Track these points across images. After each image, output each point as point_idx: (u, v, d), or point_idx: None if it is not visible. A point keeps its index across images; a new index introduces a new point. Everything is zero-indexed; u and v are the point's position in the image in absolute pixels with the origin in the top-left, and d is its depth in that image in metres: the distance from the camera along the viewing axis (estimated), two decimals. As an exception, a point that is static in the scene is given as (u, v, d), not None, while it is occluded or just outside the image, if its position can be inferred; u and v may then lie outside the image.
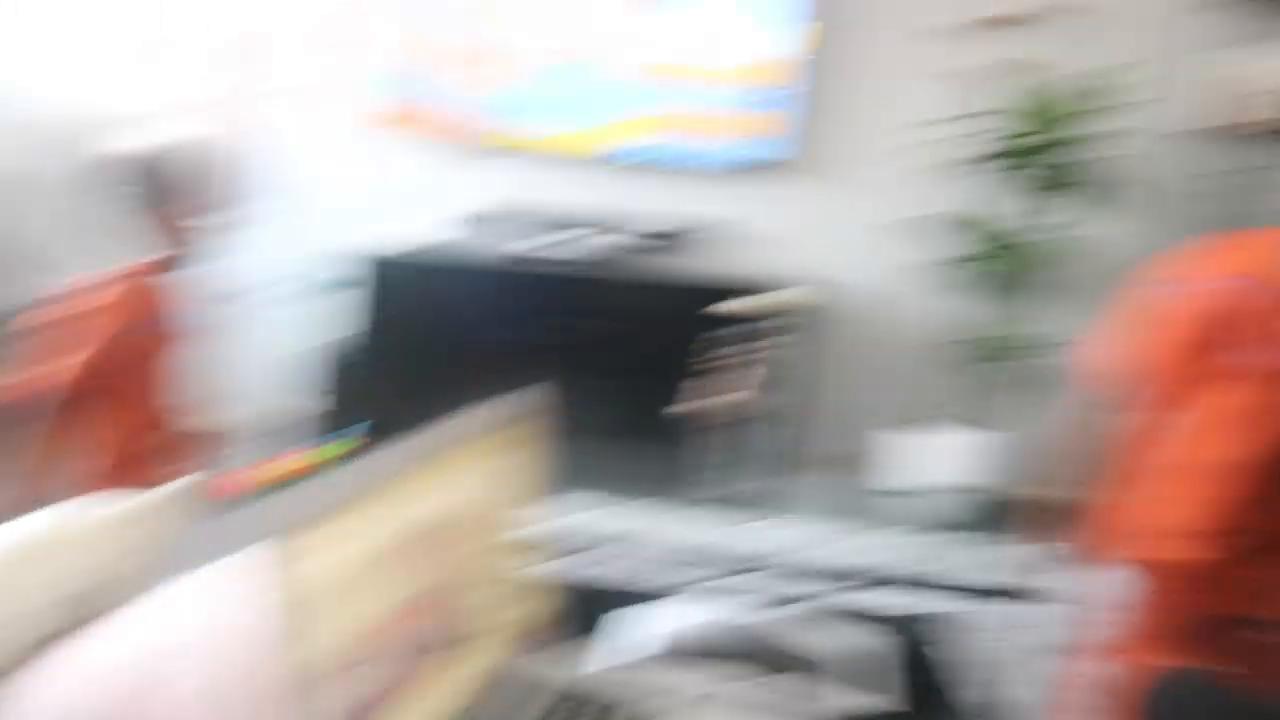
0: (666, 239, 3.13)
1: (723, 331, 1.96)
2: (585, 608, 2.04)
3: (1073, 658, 1.40)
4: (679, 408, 2.01)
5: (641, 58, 3.01)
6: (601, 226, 3.07)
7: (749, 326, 1.96)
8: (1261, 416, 1.09)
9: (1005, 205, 2.79)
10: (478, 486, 0.88)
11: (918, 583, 2.03)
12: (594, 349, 2.89)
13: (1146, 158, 2.88)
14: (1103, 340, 1.22)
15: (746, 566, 2.25)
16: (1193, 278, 1.09)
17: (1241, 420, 1.11)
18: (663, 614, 1.83)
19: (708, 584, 2.11)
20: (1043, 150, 2.58)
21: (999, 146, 2.66)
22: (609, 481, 2.52)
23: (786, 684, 1.66)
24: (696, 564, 2.21)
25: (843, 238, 3.16)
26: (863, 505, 2.73)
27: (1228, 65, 2.96)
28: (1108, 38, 2.94)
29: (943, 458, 2.80)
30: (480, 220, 3.05)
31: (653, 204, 3.19)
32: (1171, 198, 3.00)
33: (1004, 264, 2.73)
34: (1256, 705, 0.97)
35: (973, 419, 2.86)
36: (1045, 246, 2.70)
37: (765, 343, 1.98)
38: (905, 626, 2.08)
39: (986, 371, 2.84)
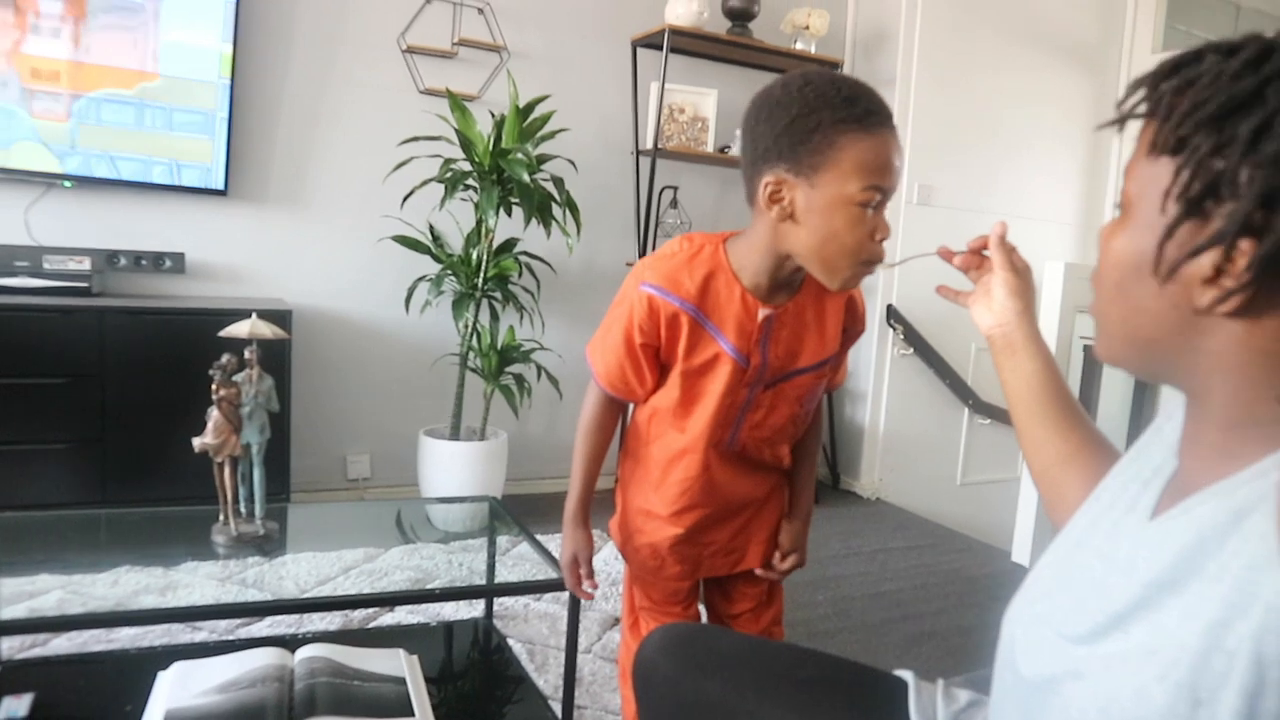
0: (115, 265, 2.76)
1: (215, 363, 1.80)
2: (104, 680, 1.76)
3: (624, 632, 1.54)
4: (196, 444, 1.81)
5: (53, 71, 2.60)
6: (50, 252, 2.61)
7: (231, 357, 1.82)
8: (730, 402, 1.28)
9: (464, 223, 2.96)
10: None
11: (446, 593, 2.09)
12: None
13: (590, 175, 3.29)
14: (603, 341, 1.32)
15: (264, 610, 2.11)
16: (657, 283, 1.22)
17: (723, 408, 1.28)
18: (173, 682, 1.64)
19: (226, 637, 1.94)
20: (495, 171, 2.77)
21: (453, 168, 2.80)
22: (128, 537, 2.20)
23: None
24: (214, 615, 2.03)
25: (308, 263, 3.09)
26: (375, 526, 2.70)
27: (655, 98, 3.48)
28: (554, 69, 3.29)
29: (449, 468, 2.89)
30: None
31: (97, 228, 2.80)
32: (615, 210, 3.47)
33: (467, 279, 2.88)
34: (730, 644, 1.06)
35: (471, 428, 2.99)
36: (504, 261, 2.92)
37: (249, 372, 1.86)
38: (439, 638, 2.14)
39: (477, 381, 2.99)
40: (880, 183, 1.09)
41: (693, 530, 1.37)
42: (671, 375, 1.29)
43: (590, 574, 1.42)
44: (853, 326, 1.34)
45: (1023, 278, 0.98)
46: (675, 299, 1.21)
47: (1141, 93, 0.65)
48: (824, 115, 1.08)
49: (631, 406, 1.40)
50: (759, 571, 1.44)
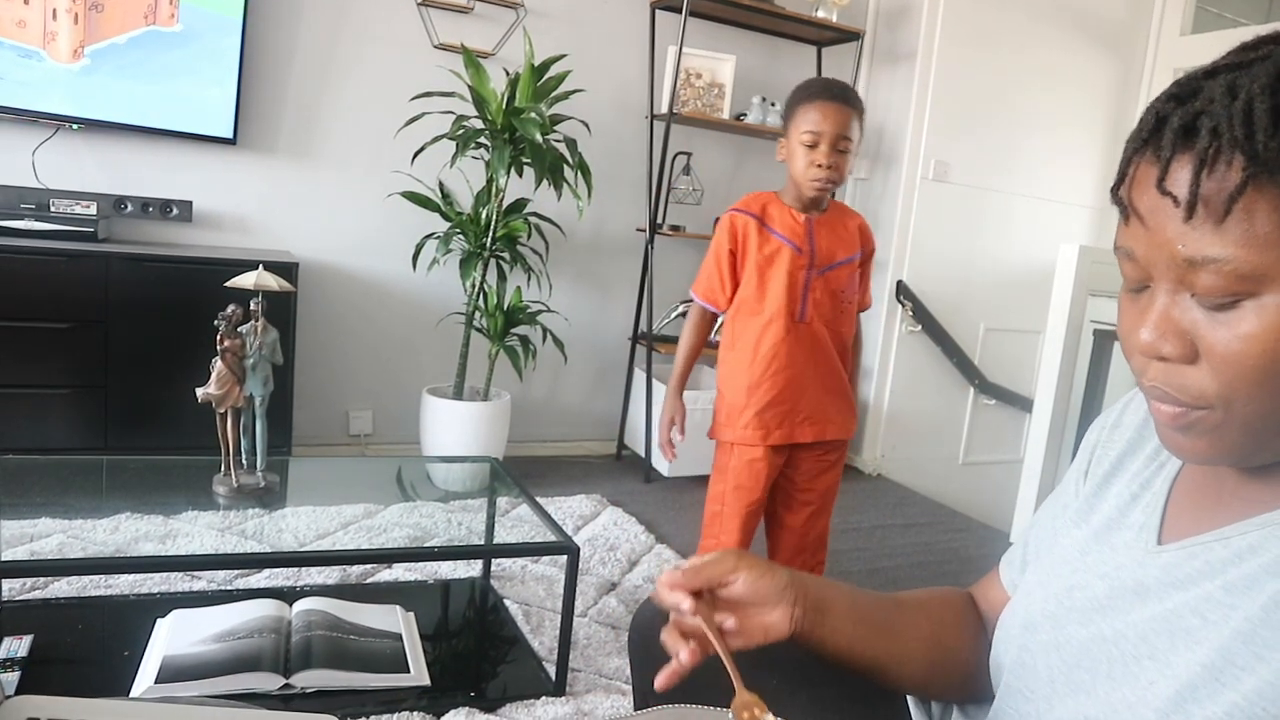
0: (122, 211, 2.74)
1: (220, 313, 1.79)
2: (108, 623, 1.78)
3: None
4: (200, 394, 1.81)
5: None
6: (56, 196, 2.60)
7: (237, 308, 1.81)
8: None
9: (474, 182, 2.93)
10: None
11: (444, 552, 2.10)
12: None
13: (603, 138, 3.25)
14: (703, 270, 1.96)
15: (262, 561, 2.12)
16: (735, 207, 1.94)
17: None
18: (171, 630, 1.65)
19: (224, 587, 1.95)
20: (508, 130, 2.73)
21: (465, 125, 2.76)
22: (129, 486, 2.21)
23: (303, 680, 1.62)
24: (213, 566, 2.04)
25: (316, 216, 3.07)
26: (376, 483, 2.71)
27: (673, 63, 3.42)
28: (571, 28, 3.24)
29: (451, 427, 2.89)
30: None
31: (104, 173, 2.78)
32: (627, 174, 3.44)
33: (476, 238, 2.86)
34: None
35: (474, 388, 2.99)
36: (513, 222, 2.89)
37: (254, 324, 1.85)
38: (436, 596, 2.15)
39: (482, 341, 2.98)
40: (812, 129, 1.79)
41: (785, 391, 1.88)
42: (747, 271, 1.90)
43: (682, 431, 1.98)
44: (866, 245, 1.98)
45: (748, 562, 0.76)
46: (746, 213, 1.91)
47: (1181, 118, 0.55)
48: (792, 99, 1.87)
49: (716, 330, 2.03)
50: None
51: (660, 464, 3.30)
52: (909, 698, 0.91)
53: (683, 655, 0.71)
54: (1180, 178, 0.54)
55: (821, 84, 1.84)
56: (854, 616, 0.78)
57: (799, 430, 1.90)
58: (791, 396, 1.88)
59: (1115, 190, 0.60)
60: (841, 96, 1.80)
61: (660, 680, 0.72)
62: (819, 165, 1.79)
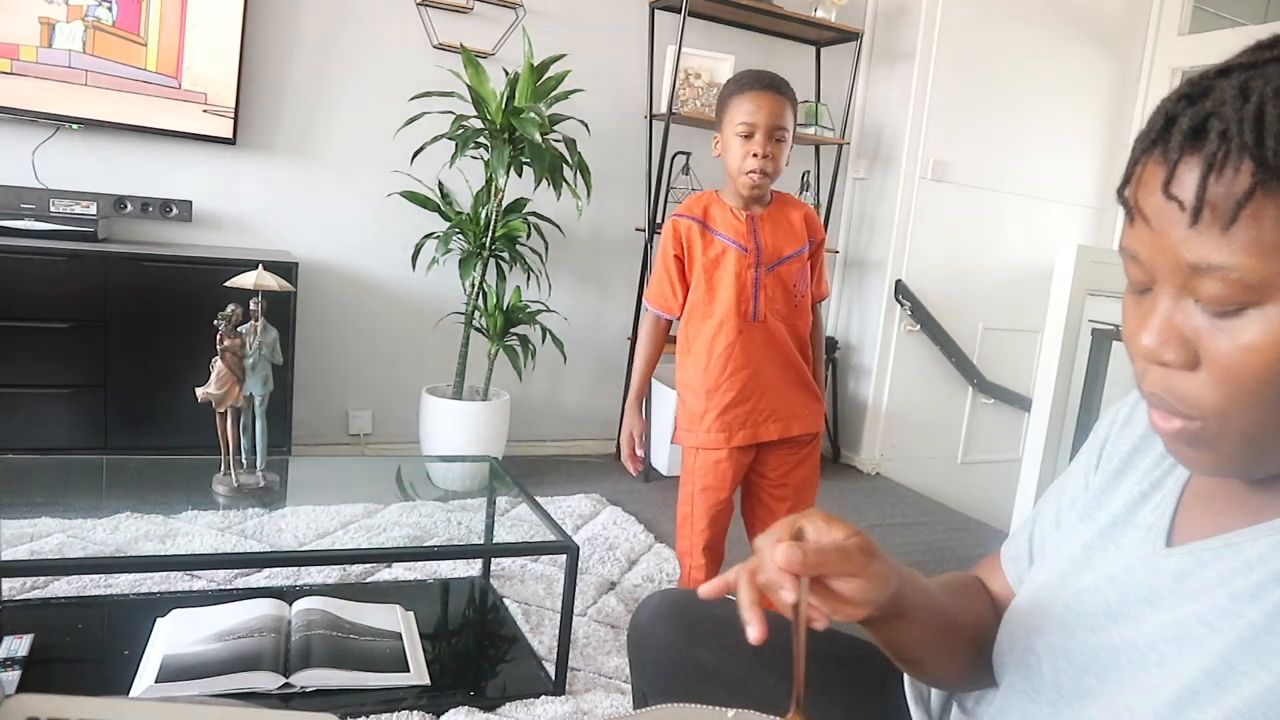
0: (121, 210, 2.75)
1: (220, 313, 1.79)
2: (107, 623, 1.78)
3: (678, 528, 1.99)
4: (200, 393, 1.81)
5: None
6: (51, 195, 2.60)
7: (236, 308, 1.81)
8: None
9: (474, 182, 2.93)
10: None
11: (444, 551, 2.10)
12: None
13: (602, 138, 3.25)
14: (653, 277, 1.93)
15: (262, 561, 2.12)
16: (677, 212, 1.91)
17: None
18: (171, 629, 1.66)
19: (224, 586, 1.96)
20: (507, 130, 2.73)
21: (464, 125, 2.76)
22: (125, 485, 2.21)
23: (302, 679, 1.62)
24: (213, 565, 2.04)
25: (315, 216, 3.07)
26: (375, 482, 2.71)
27: (671, 63, 3.42)
28: (570, 28, 3.24)
29: (450, 427, 2.89)
30: None
31: (104, 173, 2.78)
32: (626, 174, 3.44)
33: (475, 238, 2.86)
34: (726, 611, 0.99)
35: (474, 387, 2.99)
36: (513, 221, 2.90)
37: (253, 324, 1.85)
38: (435, 595, 2.15)
39: (481, 341, 2.98)
40: (747, 119, 1.77)
41: (744, 391, 1.85)
42: (695, 275, 1.87)
43: (644, 447, 1.96)
44: (814, 235, 1.94)
45: (872, 570, 0.67)
46: (687, 217, 1.89)
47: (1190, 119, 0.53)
48: (724, 92, 1.85)
49: (673, 331, 1.98)
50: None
51: (660, 463, 3.30)
52: (907, 696, 0.91)
53: (752, 634, 0.64)
54: (1187, 181, 0.53)
55: (754, 75, 1.82)
56: (926, 623, 0.76)
57: (763, 429, 1.88)
58: (752, 396, 1.86)
59: (1121, 190, 0.59)
60: (775, 86, 1.79)
61: (708, 589, 0.68)
62: (755, 155, 1.76)
